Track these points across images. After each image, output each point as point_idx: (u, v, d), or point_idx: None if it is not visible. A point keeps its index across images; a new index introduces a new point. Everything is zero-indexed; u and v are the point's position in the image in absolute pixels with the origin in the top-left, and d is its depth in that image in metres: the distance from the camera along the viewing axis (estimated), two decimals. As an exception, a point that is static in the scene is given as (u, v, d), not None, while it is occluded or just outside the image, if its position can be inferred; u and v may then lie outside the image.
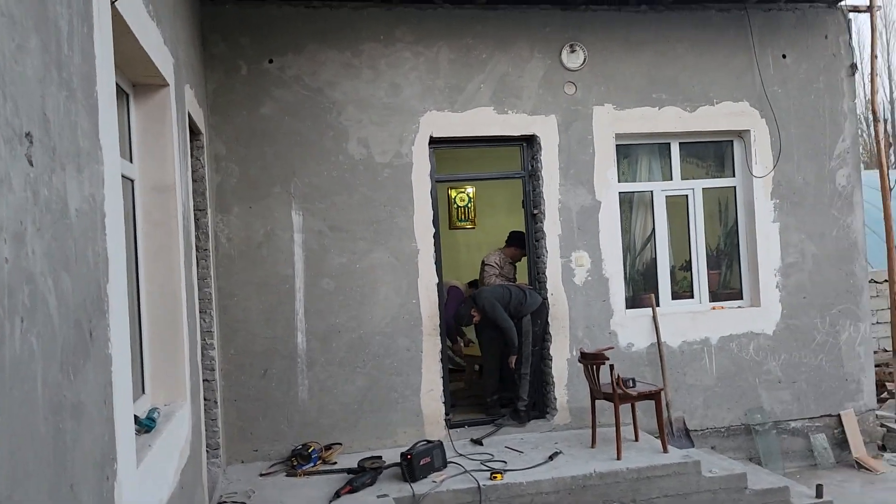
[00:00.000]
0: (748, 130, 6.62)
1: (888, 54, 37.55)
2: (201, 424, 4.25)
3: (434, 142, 6.10)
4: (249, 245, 5.72)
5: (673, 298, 6.72)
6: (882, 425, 7.79)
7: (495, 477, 5.03)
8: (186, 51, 4.59)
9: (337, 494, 4.81)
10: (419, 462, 5.06)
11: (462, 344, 7.62)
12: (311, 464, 5.43)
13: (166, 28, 3.69)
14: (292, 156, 5.80)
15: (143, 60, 3.19)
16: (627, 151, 6.71)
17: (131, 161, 3.49)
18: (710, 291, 6.79)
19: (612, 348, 5.98)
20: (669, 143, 6.70)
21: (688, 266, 6.83)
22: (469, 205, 10.38)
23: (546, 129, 6.25)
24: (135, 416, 2.94)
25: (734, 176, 6.80)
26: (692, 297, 6.76)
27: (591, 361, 5.51)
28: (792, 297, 6.64)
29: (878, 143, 6.87)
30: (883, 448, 7.32)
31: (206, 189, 5.21)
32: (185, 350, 3.72)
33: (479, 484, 4.93)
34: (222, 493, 4.94)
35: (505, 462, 5.36)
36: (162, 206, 3.62)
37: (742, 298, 6.77)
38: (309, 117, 5.84)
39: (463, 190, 10.36)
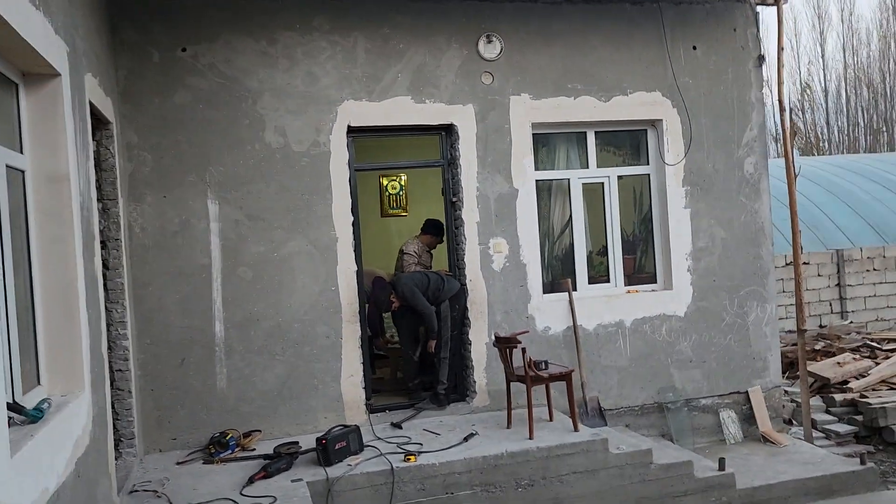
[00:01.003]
0: (661, 120, 6.85)
1: (822, 45, 38.82)
2: (107, 415, 4.25)
3: (352, 131, 6.15)
4: (164, 234, 5.70)
5: (590, 283, 6.94)
6: (792, 400, 8.20)
7: (409, 459, 5.16)
8: (89, 38, 4.54)
9: (251, 480, 4.87)
10: (334, 446, 5.15)
11: (383, 342, 7.63)
12: (229, 451, 5.47)
13: (58, 17, 3.66)
14: (207, 144, 5.79)
15: (28, 51, 3.17)
16: (546, 140, 6.88)
17: (21, 152, 3.47)
18: (626, 276, 7.02)
19: (528, 332, 6.15)
20: (585, 132, 6.89)
21: (604, 251, 7.05)
22: (401, 192, 10.47)
23: (464, 119, 6.36)
24: (21, 406, 2.96)
25: (648, 164, 7.02)
26: (608, 281, 6.99)
27: (504, 345, 5.67)
28: (702, 280, 6.91)
29: (784, 131, 7.18)
30: (790, 422, 7.71)
31: (116, 178, 5.18)
32: (84, 340, 3.72)
33: (392, 466, 5.05)
34: (136, 482, 4.94)
35: (421, 444, 5.49)
36: (56, 197, 3.60)
37: (656, 282, 7.03)
38: (224, 106, 5.82)
39: (395, 178, 10.43)
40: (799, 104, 35.53)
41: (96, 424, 3.89)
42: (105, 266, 5.12)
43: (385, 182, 10.42)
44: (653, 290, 6.95)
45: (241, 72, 5.87)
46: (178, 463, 5.39)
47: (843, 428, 7.75)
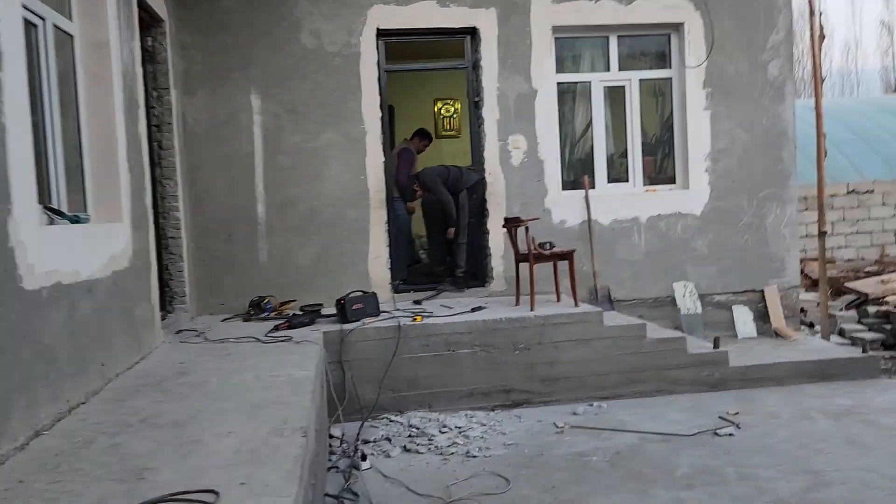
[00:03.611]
0: (682, 23, 7.02)
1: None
2: (150, 255, 5.05)
3: (381, 34, 6.70)
4: (213, 125, 6.49)
5: (610, 182, 7.27)
6: (830, 315, 8.22)
7: (416, 319, 5.78)
8: (139, -59, 5.27)
9: (276, 328, 5.64)
10: (351, 306, 5.82)
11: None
12: (266, 313, 6.26)
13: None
14: (250, 45, 6.50)
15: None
16: (571, 45, 7.20)
17: (71, 19, 4.23)
18: (647, 177, 7.30)
19: (538, 219, 6.59)
20: (608, 37, 7.15)
21: (626, 153, 7.34)
22: (454, 115, 10.97)
23: (486, 22, 6.78)
24: (61, 211, 3.76)
25: (670, 67, 7.22)
26: (628, 181, 7.29)
27: (510, 225, 6.16)
28: (720, 181, 7.11)
29: (812, 36, 7.17)
30: (811, 325, 7.83)
31: (168, 71, 5.95)
32: (124, 186, 4.50)
33: (399, 323, 5.68)
34: (183, 327, 5.81)
35: (432, 313, 6.09)
36: (98, 61, 4.36)
37: (675, 183, 7.27)
38: (265, 10, 6.50)
39: (450, 103, 10.94)
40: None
41: (137, 258, 4.69)
42: (160, 147, 5.96)
43: (439, 106, 10.95)
44: (670, 190, 7.21)
45: (280, -21, 6.52)
46: (223, 320, 6.23)
47: (870, 336, 7.81)
